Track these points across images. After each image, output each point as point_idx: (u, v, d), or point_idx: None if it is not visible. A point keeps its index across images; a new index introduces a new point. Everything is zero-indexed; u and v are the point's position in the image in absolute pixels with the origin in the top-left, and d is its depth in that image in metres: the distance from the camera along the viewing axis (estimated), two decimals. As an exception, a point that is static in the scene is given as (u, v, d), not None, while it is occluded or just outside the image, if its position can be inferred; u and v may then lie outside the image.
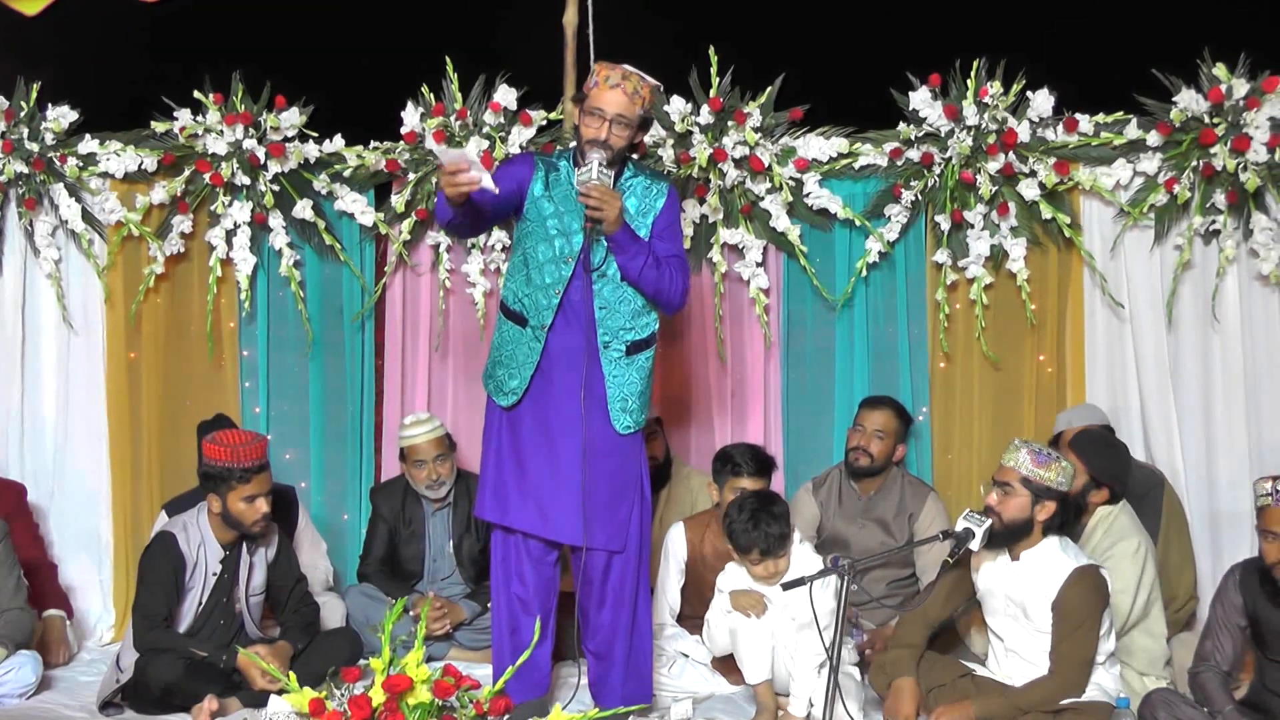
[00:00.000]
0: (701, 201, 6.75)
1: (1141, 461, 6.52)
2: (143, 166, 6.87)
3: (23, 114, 6.83)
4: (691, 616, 6.26)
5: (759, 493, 5.83)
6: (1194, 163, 6.48)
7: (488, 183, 4.93)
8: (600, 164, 5.05)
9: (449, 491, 6.65)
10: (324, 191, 6.93)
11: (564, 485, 5.28)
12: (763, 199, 6.73)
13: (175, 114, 6.82)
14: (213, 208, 6.90)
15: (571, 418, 5.26)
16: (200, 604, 5.84)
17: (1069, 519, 5.36)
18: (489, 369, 5.48)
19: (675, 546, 6.26)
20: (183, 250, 6.96)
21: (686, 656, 6.07)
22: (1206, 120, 6.42)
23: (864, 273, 6.81)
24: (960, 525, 5.21)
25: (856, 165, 6.77)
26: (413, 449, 6.62)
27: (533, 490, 5.33)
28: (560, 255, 5.24)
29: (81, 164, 6.86)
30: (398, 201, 6.87)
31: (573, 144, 5.37)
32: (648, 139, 6.68)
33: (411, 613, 6.19)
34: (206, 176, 6.81)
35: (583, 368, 5.23)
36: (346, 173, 6.93)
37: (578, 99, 5.24)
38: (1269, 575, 5.06)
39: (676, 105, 6.68)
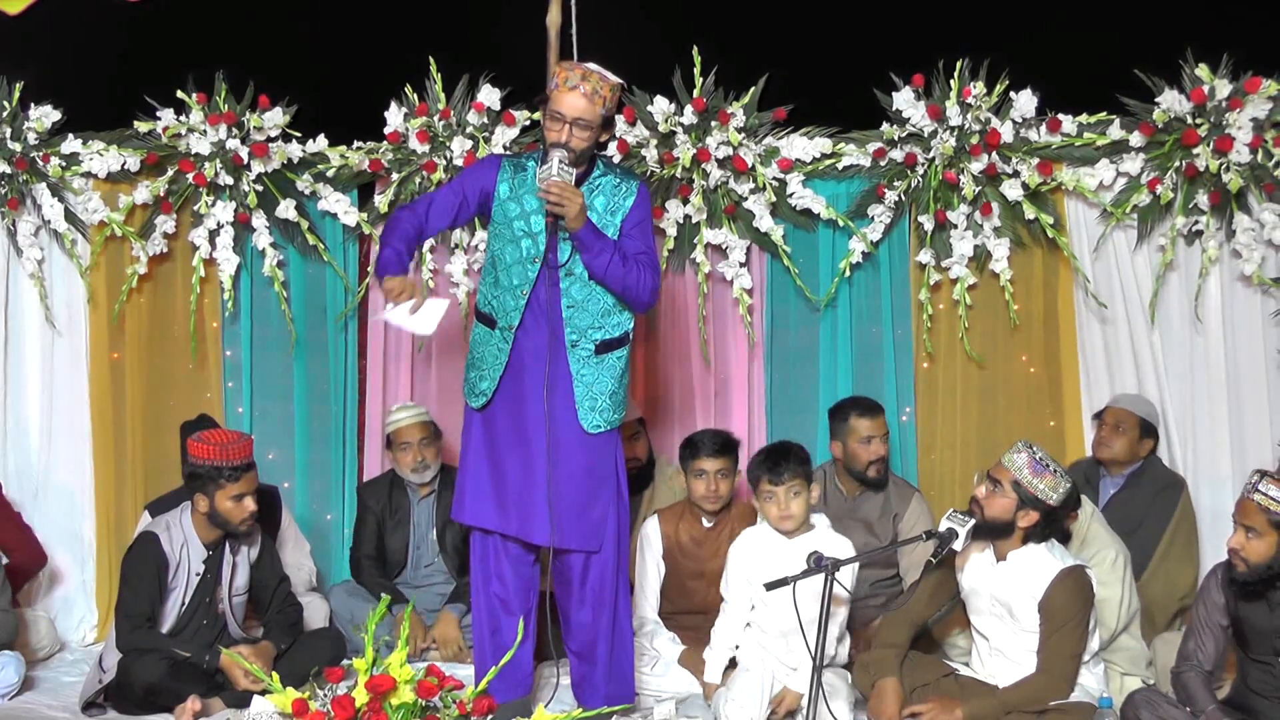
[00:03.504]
0: (685, 202, 6.75)
1: (1166, 466, 6.56)
2: (126, 166, 6.86)
3: (5, 113, 6.80)
4: (672, 612, 6.25)
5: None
6: (1177, 163, 6.50)
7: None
8: (561, 161, 5.05)
9: (434, 478, 6.72)
10: (307, 191, 6.92)
11: (537, 486, 5.29)
12: (746, 199, 6.73)
13: (158, 114, 6.82)
14: (196, 208, 6.89)
15: (543, 417, 5.26)
16: (183, 604, 5.83)
17: (1053, 532, 5.35)
18: (465, 372, 5.49)
19: (651, 539, 6.24)
20: (166, 250, 6.95)
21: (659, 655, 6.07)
22: (1189, 121, 6.44)
23: (847, 273, 6.82)
24: (943, 525, 5.23)
25: (840, 165, 6.77)
26: (398, 433, 6.70)
27: (507, 491, 5.34)
28: (527, 256, 5.24)
29: (64, 164, 6.84)
30: (381, 201, 6.87)
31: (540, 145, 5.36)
32: (631, 139, 6.70)
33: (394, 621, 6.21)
34: (190, 176, 6.80)
35: (549, 366, 5.23)
36: (330, 173, 6.93)
37: (540, 100, 5.23)
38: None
39: (660, 105, 6.69)
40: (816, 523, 5.76)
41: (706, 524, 6.18)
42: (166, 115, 6.81)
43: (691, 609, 6.21)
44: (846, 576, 5.38)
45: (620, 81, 5.23)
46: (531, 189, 5.19)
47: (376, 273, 5.26)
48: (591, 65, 5.18)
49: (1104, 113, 6.61)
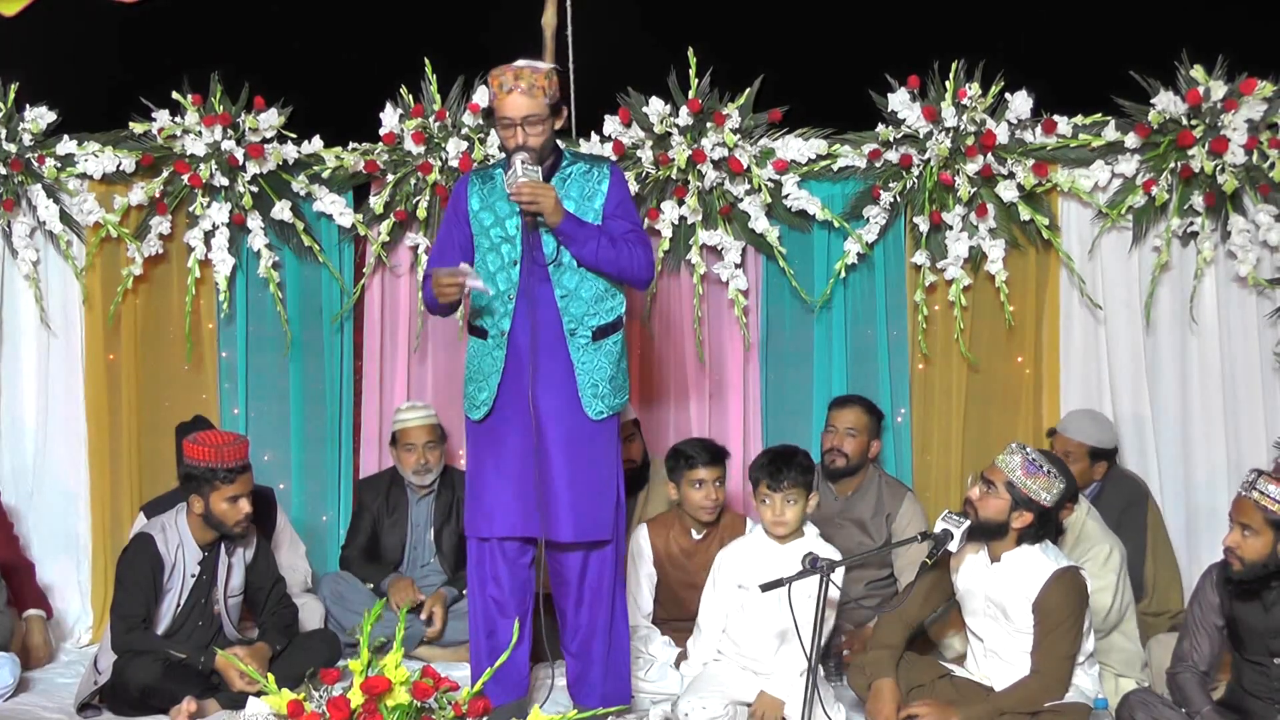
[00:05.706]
0: (680, 203, 6.75)
1: (1127, 471, 6.53)
2: (121, 167, 6.85)
3: (0, 115, 6.80)
4: (665, 619, 6.24)
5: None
6: (1172, 164, 6.50)
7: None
8: (524, 161, 5.09)
9: (434, 480, 6.74)
10: (302, 193, 6.91)
11: (552, 481, 5.28)
12: (741, 200, 6.73)
13: (154, 115, 6.81)
14: (191, 209, 6.89)
15: (549, 411, 5.27)
16: (178, 605, 5.83)
17: (1047, 533, 5.36)
18: (464, 388, 5.50)
19: (642, 549, 6.24)
20: (161, 251, 6.95)
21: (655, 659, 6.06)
22: (1184, 122, 6.45)
23: (843, 274, 6.82)
24: (939, 526, 5.22)
25: (835, 167, 6.78)
26: (404, 432, 6.73)
27: (528, 495, 5.30)
28: (508, 261, 5.27)
29: (59, 165, 6.83)
30: (376, 203, 6.86)
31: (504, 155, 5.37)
32: (626, 140, 6.71)
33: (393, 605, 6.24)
34: (185, 177, 6.80)
35: (548, 359, 5.25)
36: (325, 174, 6.93)
37: (486, 115, 5.25)
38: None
39: (655, 107, 6.68)
40: (806, 531, 5.73)
41: (696, 536, 6.17)
42: (162, 116, 6.80)
43: (685, 616, 6.16)
44: (837, 579, 5.36)
45: (552, 66, 5.28)
46: (501, 195, 5.26)
47: (425, 304, 5.44)
48: (519, 62, 5.21)
49: (1099, 114, 6.61)
